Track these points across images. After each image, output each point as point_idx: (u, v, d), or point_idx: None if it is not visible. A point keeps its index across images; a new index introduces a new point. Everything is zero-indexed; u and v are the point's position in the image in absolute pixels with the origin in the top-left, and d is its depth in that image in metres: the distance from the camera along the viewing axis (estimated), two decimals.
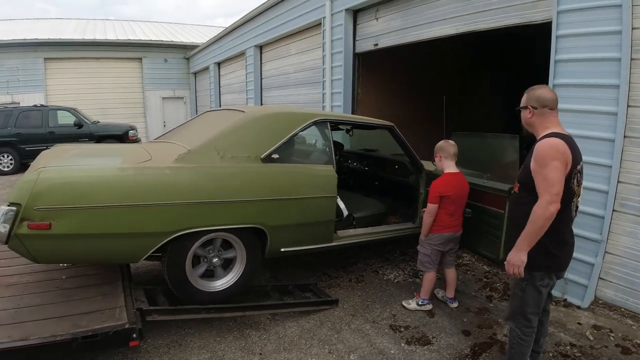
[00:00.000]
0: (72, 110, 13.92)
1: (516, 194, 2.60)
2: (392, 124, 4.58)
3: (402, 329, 3.59)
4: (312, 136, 4.00)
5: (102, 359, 3.09)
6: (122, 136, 13.82)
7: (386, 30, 6.91)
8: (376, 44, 7.16)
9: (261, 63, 11.78)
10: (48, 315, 2.89)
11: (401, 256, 5.27)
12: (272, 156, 3.54)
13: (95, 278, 3.51)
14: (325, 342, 3.40)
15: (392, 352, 3.28)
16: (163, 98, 19.80)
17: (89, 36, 18.85)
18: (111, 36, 19.33)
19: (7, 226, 2.74)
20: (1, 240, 2.82)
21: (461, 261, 5.16)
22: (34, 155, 13.21)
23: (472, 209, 3.86)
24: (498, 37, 6.02)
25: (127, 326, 2.76)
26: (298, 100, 9.64)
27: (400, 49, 6.92)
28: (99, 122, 14.40)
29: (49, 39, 17.76)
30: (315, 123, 3.91)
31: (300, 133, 3.83)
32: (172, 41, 19.81)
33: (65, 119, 13.64)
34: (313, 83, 9.10)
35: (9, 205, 2.76)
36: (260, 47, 11.68)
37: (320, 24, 8.29)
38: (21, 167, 13.05)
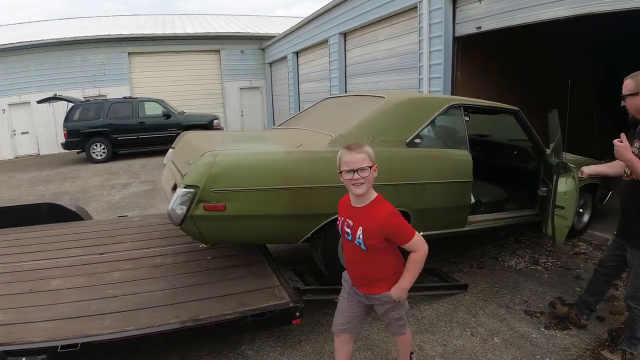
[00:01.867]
0: (160, 102, 14.56)
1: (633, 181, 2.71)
2: (517, 108, 4.48)
3: (537, 315, 3.56)
4: (447, 120, 3.97)
5: (249, 337, 3.22)
6: (207, 125, 14.31)
7: (490, 13, 6.67)
8: (479, 27, 6.95)
9: (345, 50, 11.76)
10: (208, 295, 2.98)
11: (515, 243, 5.18)
12: (415, 141, 3.55)
13: (239, 259, 3.62)
14: (465, 325, 3.41)
15: (533, 336, 3.26)
16: (240, 88, 20.28)
17: (168, 31, 19.60)
18: (189, 30, 19.98)
19: (184, 208, 2.86)
20: (175, 222, 2.95)
21: (578, 250, 5.00)
22: (125, 144, 14.19)
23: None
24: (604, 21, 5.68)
25: (291, 305, 2.84)
26: (388, 86, 9.56)
27: (502, 33, 6.68)
28: (184, 112, 14.99)
29: (132, 34, 18.68)
30: (451, 107, 3.87)
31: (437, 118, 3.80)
32: (249, 32, 20.20)
33: (153, 109, 14.33)
34: (404, 69, 8.98)
35: (185, 188, 2.88)
36: (345, 35, 11.65)
37: (416, 7, 8.14)
38: (113, 155, 13.84)
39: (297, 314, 2.86)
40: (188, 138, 4.13)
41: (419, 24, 8.04)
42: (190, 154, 3.23)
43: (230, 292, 3.02)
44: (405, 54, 8.93)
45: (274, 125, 19.91)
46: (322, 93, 13.38)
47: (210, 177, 2.87)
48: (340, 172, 2.14)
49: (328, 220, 3.23)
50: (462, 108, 3.99)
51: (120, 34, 18.46)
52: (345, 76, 11.84)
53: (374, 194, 2.23)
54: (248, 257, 3.62)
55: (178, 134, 14.82)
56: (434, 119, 3.71)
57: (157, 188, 9.33)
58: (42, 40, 17.53)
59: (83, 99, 15.18)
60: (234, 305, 2.85)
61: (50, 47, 17.56)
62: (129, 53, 18.76)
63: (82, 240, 4.23)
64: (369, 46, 10.51)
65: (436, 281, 4.05)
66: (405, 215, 3.53)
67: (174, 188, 3.25)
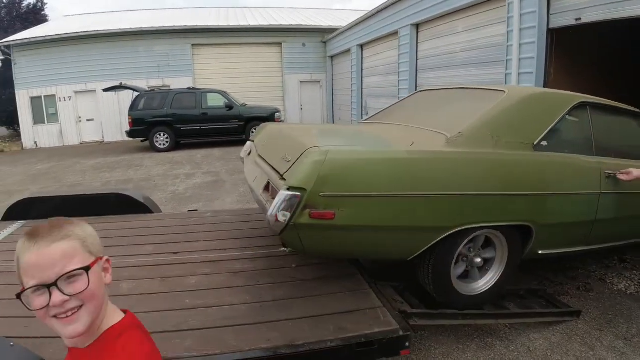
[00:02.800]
0: (223, 93, 14.56)
1: None
2: None
3: None
4: (573, 121, 3.40)
5: None
6: (268, 118, 14.17)
7: (594, 3, 5.94)
8: (578, 19, 6.24)
9: (417, 43, 11.16)
10: (300, 314, 2.54)
11: (620, 263, 4.56)
12: (542, 143, 3.02)
13: (327, 268, 3.17)
14: None
15: None
16: (301, 82, 20.06)
17: (232, 23, 19.64)
18: (252, 22, 19.94)
19: (288, 215, 2.40)
20: (275, 230, 2.52)
21: None
22: (188, 134, 14.39)
23: None
24: None
25: (401, 333, 2.39)
26: (465, 81, 8.87)
27: (603, 24, 5.98)
28: (246, 104, 14.91)
29: (196, 26, 18.88)
30: (578, 106, 3.32)
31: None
32: (311, 25, 19.91)
33: (216, 101, 14.37)
34: (487, 63, 8.32)
35: (289, 190, 2.41)
36: (417, 26, 11.04)
37: None
38: (176, 145, 13.96)
39: (407, 343, 2.41)
40: (275, 130, 3.73)
41: (508, 13, 7.37)
42: (287, 148, 2.80)
43: (326, 312, 2.57)
44: (488, 46, 8.25)
45: (332, 119, 19.53)
46: (387, 87, 12.87)
47: (319, 178, 2.39)
48: (20, 293, 0.99)
49: (448, 233, 2.74)
50: (588, 107, 3.43)
51: (185, 26, 18.67)
52: (416, 70, 11.22)
53: (113, 318, 1.12)
54: (338, 267, 3.19)
55: (240, 125, 14.69)
56: (562, 117, 3.17)
57: (220, 180, 9.21)
58: (109, 30, 17.98)
59: (148, 89, 15.38)
60: (333, 329, 2.40)
61: (116, 37, 17.97)
62: (192, 45, 18.96)
63: (153, 236, 3.95)
64: (444, 38, 9.87)
65: (545, 305, 3.52)
66: (528, 230, 3.03)
67: (267, 188, 2.87)
